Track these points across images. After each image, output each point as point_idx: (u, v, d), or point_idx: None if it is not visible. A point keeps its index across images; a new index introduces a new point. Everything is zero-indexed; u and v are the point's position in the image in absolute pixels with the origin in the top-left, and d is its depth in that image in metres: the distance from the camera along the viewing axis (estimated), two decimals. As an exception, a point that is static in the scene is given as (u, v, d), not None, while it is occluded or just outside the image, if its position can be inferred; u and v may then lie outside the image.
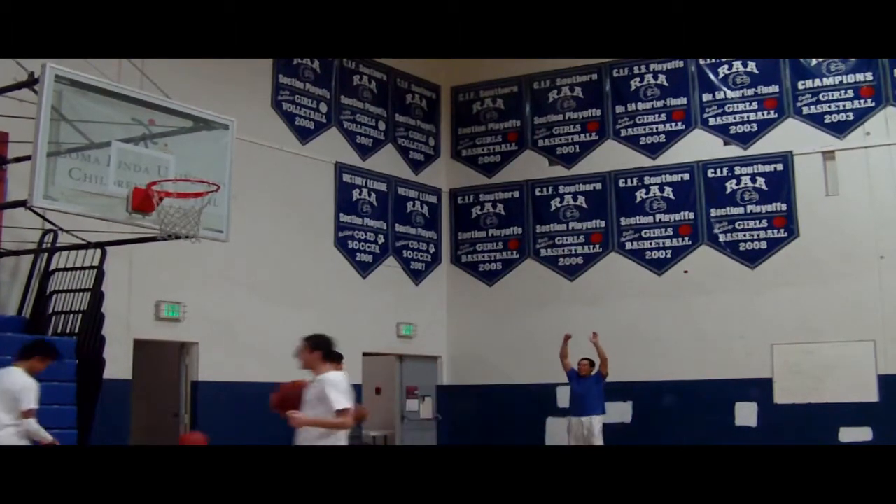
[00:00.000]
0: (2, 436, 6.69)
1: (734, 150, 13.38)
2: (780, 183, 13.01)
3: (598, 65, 14.35)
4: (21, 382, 6.85)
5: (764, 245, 13.00)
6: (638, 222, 13.86)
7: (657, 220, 13.73)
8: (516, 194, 14.81)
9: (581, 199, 14.32)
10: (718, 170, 13.43)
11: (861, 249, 12.37)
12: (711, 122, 13.56)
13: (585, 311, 13.90)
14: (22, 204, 7.42)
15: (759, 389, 12.62)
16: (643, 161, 13.94)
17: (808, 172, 12.87)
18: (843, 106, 12.74)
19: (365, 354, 13.02)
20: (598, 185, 14.21)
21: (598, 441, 11.74)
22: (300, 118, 12.85)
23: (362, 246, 13.56)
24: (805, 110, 12.99)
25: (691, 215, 13.53)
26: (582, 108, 14.50)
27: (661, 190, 13.77)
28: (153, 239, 8.14)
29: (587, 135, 14.42)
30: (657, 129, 13.91)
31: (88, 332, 8.60)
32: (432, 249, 14.89)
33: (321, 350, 6.90)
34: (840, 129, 12.74)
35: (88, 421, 8.34)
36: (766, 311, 12.79)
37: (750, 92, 13.36)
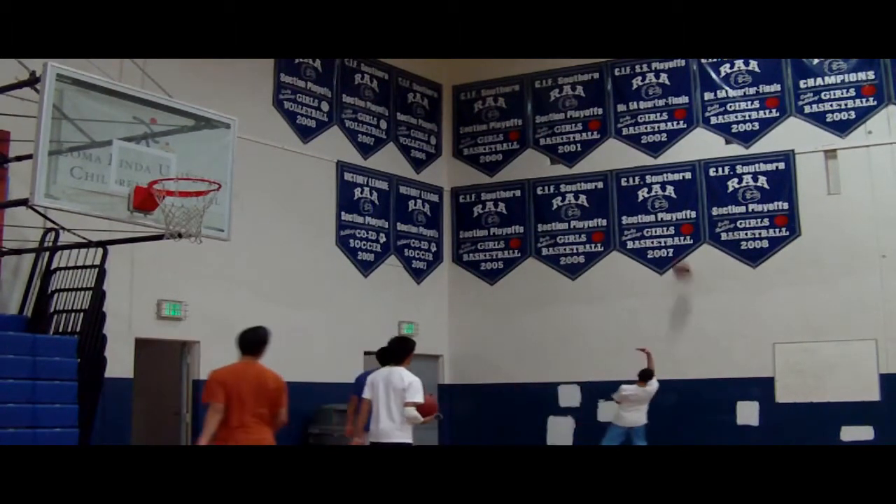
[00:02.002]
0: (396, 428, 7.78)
1: (736, 149, 13.37)
2: (782, 182, 13.01)
3: (599, 64, 14.35)
4: (408, 379, 7.90)
5: (765, 244, 13.00)
6: (639, 221, 13.86)
7: (659, 218, 13.73)
8: (518, 193, 14.81)
9: (582, 198, 14.32)
10: (720, 168, 13.43)
11: (863, 248, 12.36)
12: (713, 120, 13.56)
13: (587, 310, 13.92)
14: (23, 203, 7.42)
15: (760, 388, 12.62)
16: (645, 160, 13.94)
17: (810, 171, 12.87)
18: (845, 105, 12.74)
19: (366, 353, 13.02)
20: (600, 184, 14.21)
21: None
22: (302, 117, 12.86)
23: (364, 245, 13.56)
24: (807, 109, 12.99)
25: (693, 214, 13.52)
26: (583, 106, 14.50)
27: (663, 189, 13.77)
28: (155, 238, 8.14)
29: (589, 133, 14.42)
30: (659, 127, 13.91)
31: (90, 330, 8.59)
32: (434, 248, 14.90)
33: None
34: (842, 128, 12.73)
35: (90, 420, 8.35)
36: (767, 310, 12.79)
37: (751, 91, 13.36)
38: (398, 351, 8.22)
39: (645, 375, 12.01)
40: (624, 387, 12.01)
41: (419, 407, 7.85)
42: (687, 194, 13.60)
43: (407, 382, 7.85)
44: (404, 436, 7.82)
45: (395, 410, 7.82)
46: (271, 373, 6.89)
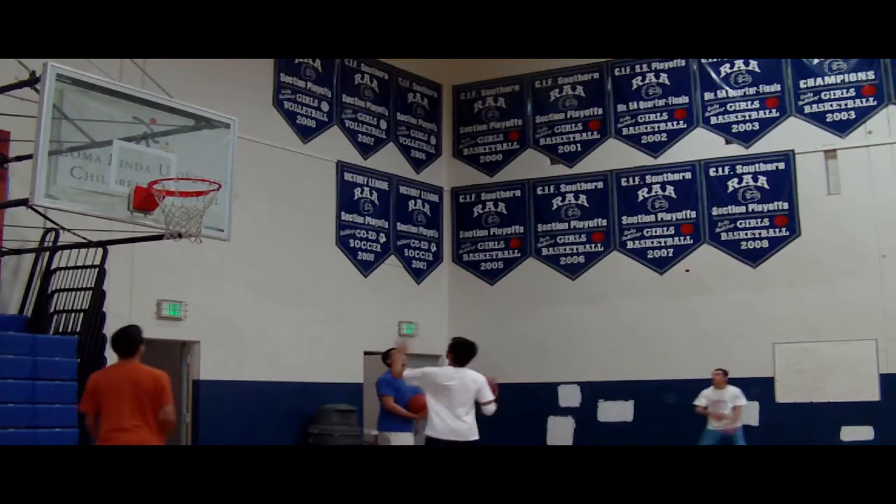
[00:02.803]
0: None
1: (736, 149, 13.38)
2: (782, 182, 13.01)
3: (599, 63, 14.35)
4: (480, 379, 8.19)
5: (765, 244, 13.00)
6: (639, 221, 13.86)
7: (659, 218, 13.73)
8: (518, 193, 14.81)
9: (582, 198, 14.32)
10: (720, 168, 13.43)
11: (862, 248, 12.36)
12: (713, 120, 13.56)
13: (587, 310, 13.91)
14: (23, 203, 7.41)
15: (760, 388, 12.61)
16: (645, 160, 13.94)
17: (810, 171, 12.87)
18: (845, 105, 12.74)
19: (366, 353, 13.04)
20: (600, 184, 14.21)
21: None
22: (302, 117, 12.85)
23: (364, 245, 13.56)
24: (807, 109, 12.99)
25: (693, 214, 13.52)
26: (583, 106, 14.50)
27: (663, 189, 13.77)
28: (155, 238, 8.13)
29: (589, 133, 14.42)
30: (659, 127, 13.91)
31: (90, 331, 8.60)
32: (434, 248, 14.90)
33: None
34: (842, 128, 12.73)
35: (90, 420, 8.34)
36: (767, 310, 12.79)
37: (751, 91, 13.36)
38: (468, 353, 8.34)
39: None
40: (740, 393, 12.01)
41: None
42: (687, 194, 13.60)
43: (481, 382, 8.18)
44: (476, 434, 8.14)
45: (471, 410, 8.09)
46: (148, 372, 6.66)
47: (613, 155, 14.15)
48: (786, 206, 12.96)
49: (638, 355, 13.36)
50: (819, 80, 12.95)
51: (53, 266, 9.19)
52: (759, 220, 13.09)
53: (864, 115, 12.63)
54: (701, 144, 13.60)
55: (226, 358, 11.22)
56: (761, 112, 13.25)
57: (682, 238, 13.54)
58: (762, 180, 13.13)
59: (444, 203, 15.22)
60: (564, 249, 14.34)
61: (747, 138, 13.30)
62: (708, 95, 13.63)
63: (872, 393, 12.05)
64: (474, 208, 15.13)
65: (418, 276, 14.51)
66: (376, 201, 13.86)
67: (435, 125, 15.28)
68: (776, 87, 13.21)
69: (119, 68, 9.05)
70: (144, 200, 7.62)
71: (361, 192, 13.64)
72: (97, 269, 8.82)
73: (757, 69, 13.35)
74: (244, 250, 10.91)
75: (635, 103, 14.12)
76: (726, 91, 13.52)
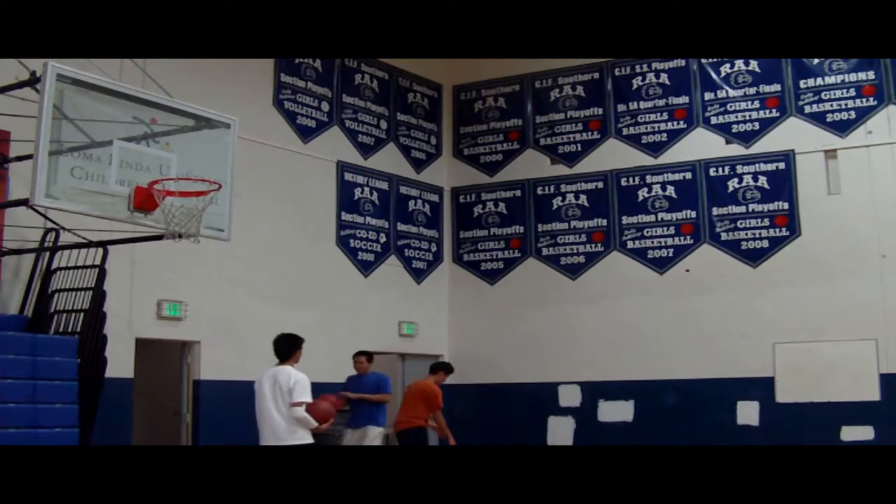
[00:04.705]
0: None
1: (736, 149, 13.37)
2: (782, 182, 13.00)
3: (599, 63, 14.35)
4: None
5: (766, 244, 12.99)
6: (640, 221, 13.85)
7: (659, 218, 13.73)
8: (518, 193, 14.81)
9: (583, 198, 14.32)
10: (720, 168, 13.43)
11: (863, 248, 12.36)
12: (713, 120, 13.56)
13: (587, 310, 13.91)
14: (23, 203, 7.42)
15: (760, 388, 12.61)
16: (645, 160, 13.93)
17: (810, 171, 12.87)
18: (845, 105, 12.74)
19: (366, 353, 13.03)
20: (600, 184, 14.21)
21: None
22: (302, 117, 12.86)
23: (364, 245, 13.56)
24: (807, 109, 12.99)
25: (693, 214, 13.52)
26: (583, 106, 14.50)
27: (663, 189, 13.77)
28: (155, 238, 8.14)
29: (589, 133, 14.42)
30: (659, 127, 13.91)
31: (90, 331, 8.60)
32: (434, 248, 14.90)
33: None
34: (842, 128, 12.73)
35: (90, 420, 8.35)
36: (767, 310, 12.79)
37: (752, 91, 13.35)
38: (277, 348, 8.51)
39: None
40: None
41: None
42: (687, 194, 13.59)
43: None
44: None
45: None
46: None
47: (613, 155, 14.14)
48: (786, 206, 12.96)
49: (638, 355, 13.35)
50: (819, 80, 12.94)
51: (53, 266, 9.19)
52: (759, 220, 13.08)
53: (864, 115, 12.62)
54: (701, 144, 13.59)
55: (226, 358, 11.21)
56: (761, 112, 13.25)
57: (682, 238, 13.53)
58: (762, 180, 13.12)
59: (445, 203, 15.22)
60: (564, 249, 14.34)
61: (747, 138, 13.30)
62: (708, 95, 13.63)
63: (872, 393, 12.04)
64: (474, 208, 15.13)
65: (418, 276, 14.51)
66: (376, 201, 13.87)
67: (435, 125, 15.28)
68: (776, 87, 13.21)
69: (119, 68, 9.05)
70: (144, 200, 7.63)
71: (361, 192, 13.65)
72: (97, 269, 8.82)
73: (757, 69, 13.35)
74: (244, 250, 10.91)
75: (635, 103, 14.12)
76: (726, 91, 13.51)
